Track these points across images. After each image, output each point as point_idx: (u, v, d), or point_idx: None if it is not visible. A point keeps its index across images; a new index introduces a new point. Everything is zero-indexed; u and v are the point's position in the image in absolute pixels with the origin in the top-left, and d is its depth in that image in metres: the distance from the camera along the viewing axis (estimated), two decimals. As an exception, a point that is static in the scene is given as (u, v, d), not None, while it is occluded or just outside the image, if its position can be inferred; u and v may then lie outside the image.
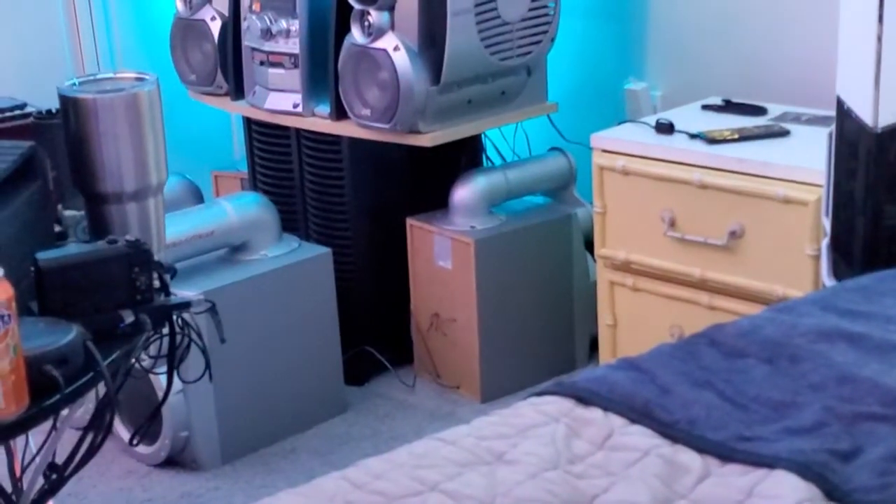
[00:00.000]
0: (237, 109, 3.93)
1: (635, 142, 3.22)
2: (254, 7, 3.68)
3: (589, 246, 3.64)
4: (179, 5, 3.88)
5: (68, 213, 2.41)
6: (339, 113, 3.56)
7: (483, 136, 3.88)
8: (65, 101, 2.26)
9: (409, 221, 3.72)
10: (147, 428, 2.77)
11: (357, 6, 3.39)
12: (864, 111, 2.43)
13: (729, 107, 3.41)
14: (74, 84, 2.31)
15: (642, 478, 1.71)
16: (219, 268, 3.45)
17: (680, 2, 3.70)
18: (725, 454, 1.76)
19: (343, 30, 3.48)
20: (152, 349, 2.21)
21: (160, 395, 2.36)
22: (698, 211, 3.07)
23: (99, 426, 1.98)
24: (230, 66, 3.82)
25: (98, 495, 3.29)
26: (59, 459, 2.05)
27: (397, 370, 3.82)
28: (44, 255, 2.02)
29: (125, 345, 2.00)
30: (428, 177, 3.75)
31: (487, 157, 3.95)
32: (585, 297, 3.72)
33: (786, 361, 2.01)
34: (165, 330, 2.15)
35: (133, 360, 2.07)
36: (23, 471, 2.22)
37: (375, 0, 3.36)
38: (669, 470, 1.73)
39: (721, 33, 3.60)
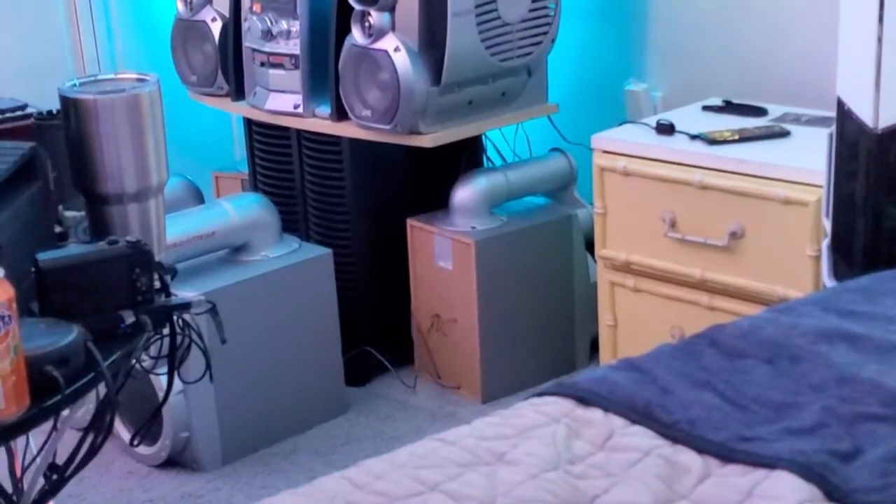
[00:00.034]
0: (238, 110, 3.93)
1: (636, 143, 3.22)
2: (254, 8, 3.68)
3: (589, 247, 3.64)
4: (180, 6, 3.88)
5: (69, 213, 2.41)
6: (340, 114, 3.56)
7: (484, 136, 3.88)
8: (66, 101, 2.26)
9: (410, 222, 3.72)
10: (148, 428, 2.76)
11: (358, 7, 3.39)
12: (864, 112, 2.43)
13: (729, 108, 3.41)
14: (75, 85, 2.31)
15: (643, 478, 1.71)
16: (219, 268, 3.45)
17: (680, 3, 3.70)
18: (726, 454, 1.76)
19: (343, 31, 3.48)
20: (153, 350, 2.21)
21: (161, 395, 2.36)
22: (699, 212, 3.08)
23: (99, 427, 1.98)
24: (231, 66, 3.82)
25: (98, 496, 3.29)
26: (60, 460, 2.05)
27: (398, 371, 3.82)
28: (44, 256, 2.02)
29: (126, 345, 2.00)
30: (428, 177, 3.75)
31: (488, 158, 3.95)
32: (586, 298, 3.72)
33: (786, 362, 2.01)
34: (166, 330, 2.15)
35: (134, 361, 2.07)
36: (23, 471, 2.22)
37: (376, 1, 3.36)
38: (670, 470, 1.73)
39: (721, 34, 3.60)
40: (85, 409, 2.29)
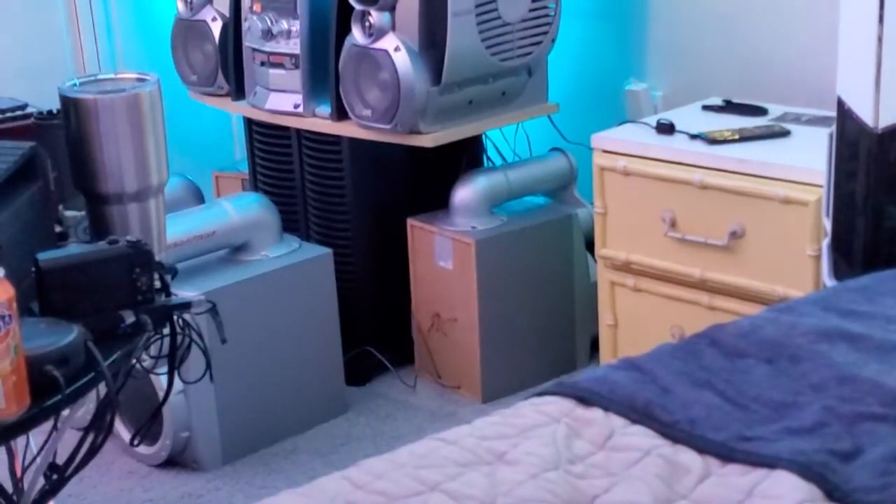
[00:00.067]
0: (238, 110, 3.93)
1: (636, 142, 3.22)
2: (254, 8, 3.68)
3: (590, 246, 3.64)
4: (180, 6, 3.88)
5: (69, 213, 2.41)
6: (340, 113, 3.56)
7: (484, 136, 3.88)
8: (66, 101, 2.26)
9: (410, 222, 3.72)
10: (148, 428, 2.76)
11: (358, 7, 3.39)
12: (864, 111, 2.43)
13: (729, 107, 3.41)
14: (75, 84, 2.31)
15: (643, 478, 1.71)
16: (220, 268, 3.45)
17: (680, 2, 3.70)
18: (726, 454, 1.76)
19: (344, 30, 3.48)
20: (153, 349, 2.21)
21: (161, 395, 2.36)
22: (699, 211, 3.08)
23: (100, 426, 1.98)
24: (231, 66, 3.82)
25: (99, 496, 3.29)
26: (60, 460, 2.05)
27: (398, 370, 3.82)
28: (45, 256, 2.02)
29: (126, 345, 2.00)
30: (429, 177, 3.75)
31: (488, 158, 3.95)
32: (586, 298, 3.72)
33: (786, 361, 2.01)
34: (166, 330, 2.15)
35: (134, 361, 2.08)
36: (24, 471, 2.22)
37: (376, 1, 3.36)
38: (670, 470, 1.73)
39: (721, 34, 3.60)
40: (85, 409, 2.29)
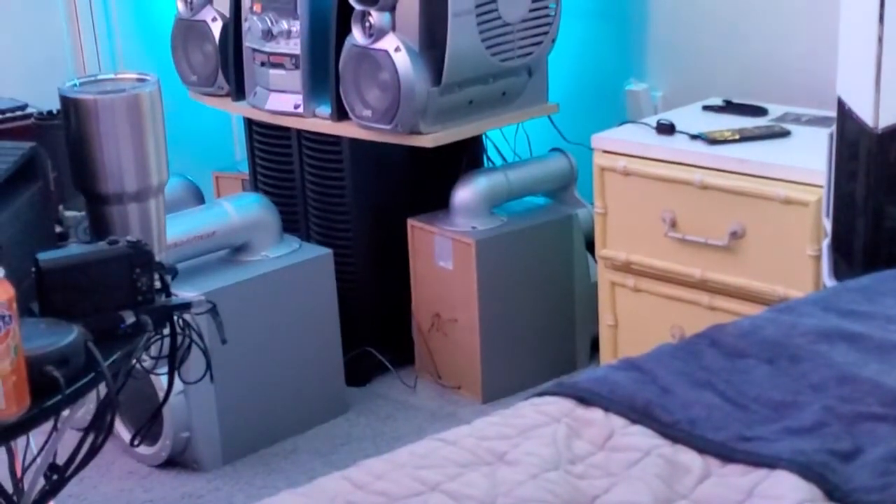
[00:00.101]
0: (238, 110, 3.93)
1: (636, 142, 3.22)
2: (255, 8, 3.68)
3: (590, 246, 3.64)
4: (180, 6, 3.88)
5: (69, 213, 2.41)
6: (340, 114, 3.56)
7: (484, 136, 3.88)
8: (66, 101, 2.26)
9: (410, 222, 3.72)
10: (148, 429, 2.76)
11: (358, 7, 3.39)
12: (864, 112, 2.43)
13: (730, 107, 3.41)
14: (75, 85, 2.31)
15: (643, 478, 1.71)
16: (220, 268, 3.45)
17: (680, 2, 3.70)
18: (726, 454, 1.76)
19: (344, 31, 3.48)
20: (153, 350, 2.21)
21: (161, 395, 2.36)
22: (699, 211, 3.07)
23: (100, 427, 1.98)
24: (231, 66, 3.82)
25: (99, 496, 3.29)
26: (60, 460, 2.05)
27: (398, 371, 3.82)
28: (45, 256, 2.02)
29: (126, 345, 2.00)
30: (429, 177, 3.75)
31: (488, 158, 3.95)
32: (586, 298, 3.72)
33: (786, 362, 2.01)
34: (166, 331, 2.15)
35: (134, 361, 2.08)
36: (24, 471, 2.22)
37: (376, 1, 3.36)
38: (670, 470, 1.73)
39: (722, 34, 3.60)
40: (85, 409, 2.29)
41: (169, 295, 2.13)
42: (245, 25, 3.73)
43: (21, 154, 2.17)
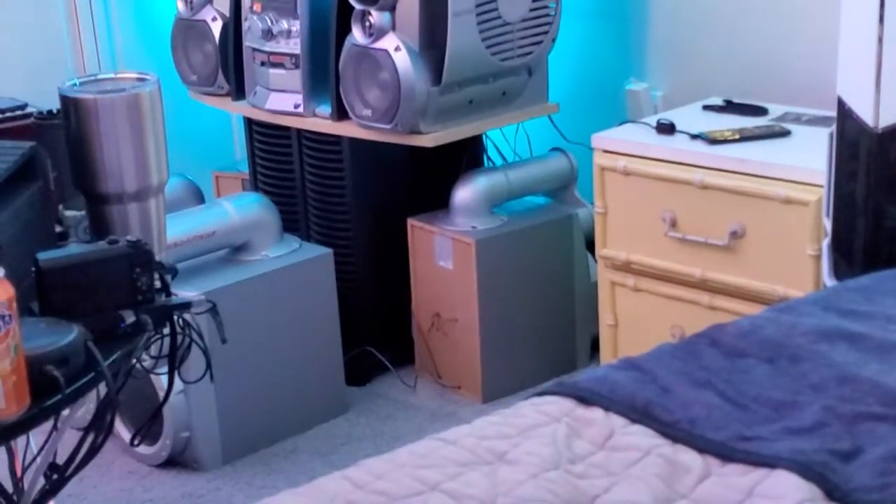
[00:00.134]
0: (238, 110, 3.93)
1: (636, 142, 3.22)
2: (254, 7, 3.68)
3: (590, 246, 3.64)
4: (180, 6, 3.88)
5: (69, 213, 2.41)
6: (340, 113, 3.56)
7: (484, 136, 3.88)
8: (66, 101, 2.26)
9: (410, 222, 3.72)
10: (148, 428, 2.76)
11: (358, 6, 3.39)
12: (864, 111, 2.43)
13: (730, 107, 3.41)
14: (75, 84, 2.31)
15: (643, 478, 1.71)
16: (220, 268, 3.45)
17: (680, 2, 3.70)
18: (726, 454, 1.76)
19: (344, 30, 3.48)
20: (153, 349, 2.21)
21: (161, 395, 2.36)
22: (699, 211, 3.07)
23: (100, 426, 1.98)
24: (231, 66, 3.82)
25: (99, 496, 3.29)
26: (60, 460, 2.05)
27: (398, 370, 3.82)
28: (45, 256, 2.02)
29: (126, 345, 2.00)
30: (429, 177, 3.75)
31: (488, 158, 3.95)
32: (586, 298, 3.72)
33: (786, 361, 2.01)
34: (166, 330, 2.15)
35: (134, 361, 2.07)
36: (24, 471, 2.22)
37: (376, 0, 3.36)
38: (670, 470, 1.73)
39: (722, 34, 3.60)
40: (85, 409, 2.29)
41: (169, 294, 2.13)
42: (245, 25, 3.73)
43: (21, 154, 2.17)
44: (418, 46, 3.37)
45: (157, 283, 2.09)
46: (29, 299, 2.01)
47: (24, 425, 1.80)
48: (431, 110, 3.44)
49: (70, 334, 1.86)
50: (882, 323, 2.12)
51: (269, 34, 3.64)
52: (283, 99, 3.69)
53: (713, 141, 3.11)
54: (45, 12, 4.29)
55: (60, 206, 2.42)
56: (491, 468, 1.74)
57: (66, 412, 1.94)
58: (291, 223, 3.78)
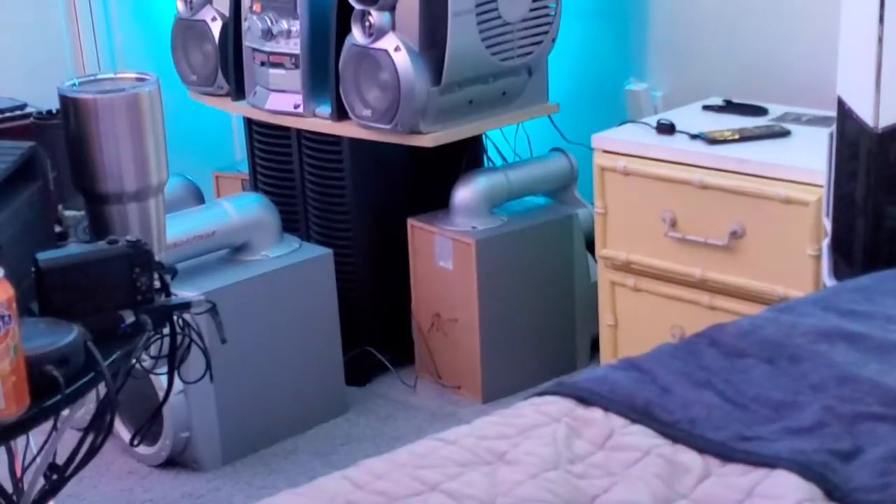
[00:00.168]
0: (238, 110, 3.93)
1: (636, 142, 3.22)
2: (254, 7, 3.68)
3: (590, 246, 3.64)
4: (180, 6, 3.88)
5: (69, 213, 2.41)
6: (340, 113, 3.56)
7: (484, 136, 3.88)
8: (65, 101, 2.26)
9: (410, 222, 3.72)
10: (148, 428, 2.76)
11: (358, 6, 3.39)
12: (864, 111, 2.43)
13: (730, 107, 3.41)
14: (75, 84, 2.31)
15: (643, 478, 1.71)
16: (220, 268, 3.45)
17: (680, 2, 3.70)
18: (726, 454, 1.76)
19: (344, 30, 3.48)
20: (153, 350, 2.21)
21: (161, 395, 2.36)
22: (699, 211, 3.07)
23: (99, 427, 1.98)
24: (231, 66, 3.82)
25: (99, 496, 3.29)
26: (60, 460, 2.05)
27: (398, 371, 3.82)
28: (44, 256, 2.02)
29: (126, 345, 2.00)
30: (429, 177, 3.75)
31: (488, 158, 3.95)
32: (586, 298, 3.72)
33: (786, 361, 2.01)
34: (166, 330, 2.15)
35: (134, 361, 2.07)
36: (23, 471, 2.22)
37: (376, 0, 3.36)
38: (670, 470, 1.73)
39: (722, 34, 3.60)
40: (85, 409, 2.29)
41: (168, 294, 2.13)
42: (245, 25, 3.73)
43: (20, 154, 2.17)
44: (418, 46, 3.37)
45: (157, 284, 2.09)
46: (28, 299, 2.01)
47: (23, 425, 1.80)
48: (431, 110, 3.44)
49: (70, 334, 1.86)
50: (882, 323, 2.12)
51: (268, 34, 3.64)
52: (282, 99, 3.69)
53: (713, 141, 3.11)
54: (45, 12, 4.29)
55: (60, 206, 2.42)
56: (491, 468, 1.74)
57: (65, 412, 1.94)
58: (291, 223, 3.78)
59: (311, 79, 3.63)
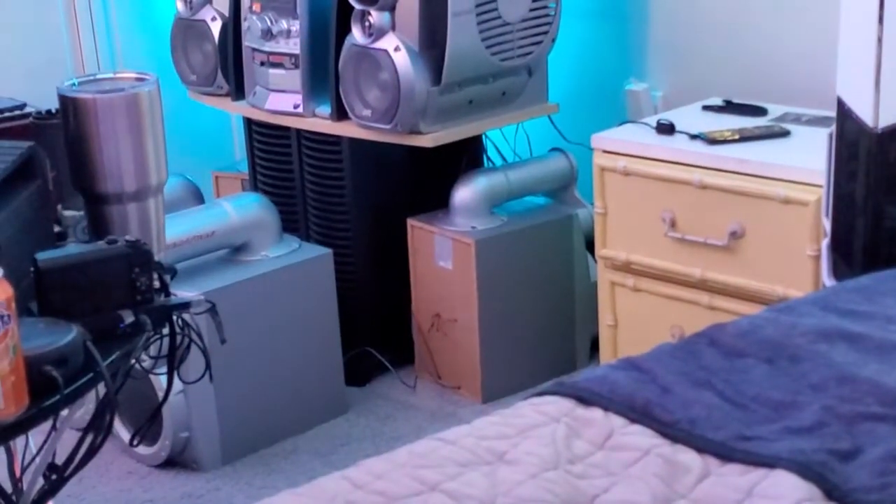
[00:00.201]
0: (238, 110, 3.93)
1: (636, 142, 3.22)
2: (254, 7, 3.68)
3: (590, 246, 3.64)
4: (180, 5, 3.88)
5: (68, 213, 2.41)
6: (340, 113, 3.56)
7: (484, 136, 3.88)
8: (64, 101, 2.26)
9: (410, 222, 3.72)
10: (147, 428, 2.76)
11: (358, 6, 3.39)
12: (864, 112, 2.43)
13: (729, 107, 3.41)
14: (74, 84, 2.31)
15: (642, 477, 1.71)
16: (219, 268, 3.45)
17: (680, 2, 3.70)
18: (725, 454, 1.76)
19: (344, 30, 3.48)
20: (152, 350, 2.21)
21: (160, 395, 2.36)
22: (699, 211, 3.07)
23: (99, 427, 1.98)
24: (231, 66, 3.82)
25: (98, 496, 3.29)
26: (59, 460, 2.05)
27: (398, 371, 3.81)
28: (43, 256, 2.01)
29: (125, 345, 1.99)
30: (429, 177, 3.75)
31: (488, 158, 3.95)
32: (586, 298, 3.72)
33: (786, 361, 2.01)
34: (165, 330, 2.15)
35: (133, 361, 2.07)
36: (23, 471, 2.22)
37: (376, 0, 3.36)
38: (669, 470, 1.73)
39: (722, 34, 3.60)
40: (84, 409, 2.29)
41: (168, 294, 2.12)
42: (244, 25, 3.73)
43: (19, 153, 2.17)
44: (418, 46, 3.37)
45: (157, 284, 2.09)
46: (28, 299, 2.00)
47: (22, 426, 1.80)
48: (431, 110, 3.44)
49: (69, 334, 1.86)
50: (881, 323, 2.12)
51: (268, 34, 3.64)
52: (282, 99, 3.69)
53: (713, 141, 3.11)
54: (45, 12, 4.29)
55: (59, 206, 2.42)
56: (490, 468, 1.73)
57: (64, 412, 1.94)
58: (291, 223, 3.78)
59: (311, 79, 3.63)
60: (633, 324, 3.31)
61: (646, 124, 3.31)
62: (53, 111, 2.46)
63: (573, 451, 1.78)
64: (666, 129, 3.23)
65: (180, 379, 2.33)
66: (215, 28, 3.83)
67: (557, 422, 1.85)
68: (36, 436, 2.10)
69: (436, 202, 3.71)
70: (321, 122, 3.64)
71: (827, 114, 2.93)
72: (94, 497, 3.28)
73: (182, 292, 2.63)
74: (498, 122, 3.69)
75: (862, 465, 1.69)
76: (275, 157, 3.88)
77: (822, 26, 3.19)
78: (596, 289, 3.42)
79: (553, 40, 3.62)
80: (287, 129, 3.79)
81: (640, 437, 1.82)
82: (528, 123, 3.88)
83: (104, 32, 4.42)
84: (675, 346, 2.10)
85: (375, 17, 3.37)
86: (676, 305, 3.18)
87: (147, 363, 2.26)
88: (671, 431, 1.82)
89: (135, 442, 2.72)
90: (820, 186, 2.74)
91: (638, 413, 1.87)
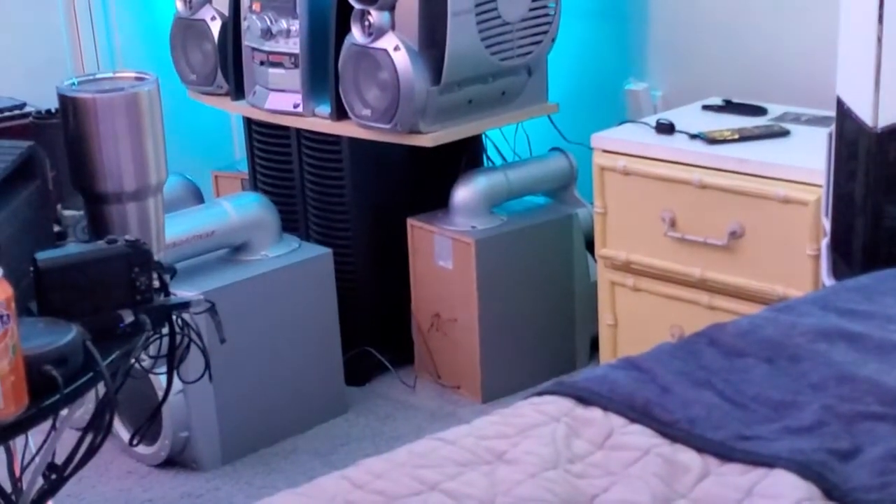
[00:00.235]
0: (237, 109, 3.93)
1: (636, 142, 3.22)
2: (254, 7, 3.68)
3: (590, 246, 3.64)
4: (179, 5, 3.88)
5: (68, 212, 2.41)
6: (340, 113, 3.56)
7: (484, 136, 3.88)
8: (64, 100, 2.25)
9: (410, 221, 3.72)
10: (147, 428, 2.76)
11: (357, 6, 3.39)
12: (863, 111, 2.43)
13: (729, 107, 3.41)
14: (74, 84, 2.31)
15: (642, 477, 1.71)
16: (219, 268, 3.45)
17: (680, 2, 3.70)
18: (725, 453, 1.76)
19: (343, 30, 3.48)
20: (152, 349, 2.21)
21: (160, 395, 2.36)
22: (698, 211, 3.07)
23: (98, 426, 1.98)
24: (230, 66, 3.82)
25: (98, 496, 3.29)
26: (59, 460, 2.05)
27: (398, 370, 3.81)
28: (43, 255, 2.01)
29: (125, 345, 1.99)
30: (428, 177, 3.75)
31: (488, 158, 3.95)
32: (586, 298, 3.72)
33: (785, 361, 2.01)
34: (165, 330, 2.15)
35: (133, 361, 2.07)
36: (22, 471, 2.22)
37: (376, 0, 3.36)
38: (669, 469, 1.73)
39: (721, 34, 3.60)
40: (84, 409, 2.28)
41: (168, 294, 2.12)
42: (244, 24, 3.73)
43: (19, 153, 2.17)
44: (418, 46, 3.37)
45: (156, 283, 2.09)
46: (27, 299, 2.00)
47: (22, 425, 1.80)
48: (431, 110, 3.44)
49: (68, 334, 1.86)
50: (881, 322, 2.12)
51: (268, 34, 3.64)
52: (282, 98, 3.69)
53: (712, 141, 3.11)
54: (45, 12, 4.29)
55: (59, 206, 2.42)
56: (490, 468, 1.73)
57: (64, 412, 1.94)
58: (291, 223, 3.78)
59: (311, 78, 3.63)
60: (633, 323, 3.31)
61: (645, 124, 3.31)
62: (53, 111, 2.46)
63: (573, 451, 1.78)
64: (666, 128, 3.23)
65: (180, 378, 2.33)
66: (215, 28, 3.83)
67: (557, 421, 1.85)
68: (36, 435, 2.10)
69: (436, 202, 3.71)
70: (321, 121, 3.64)
71: (827, 113, 2.94)
72: (94, 497, 3.28)
73: (182, 292, 2.63)
74: (498, 122, 3.69)
75: (861, 464, 1.69)
76: (274, 156, 3.88)
77: (822, 26, 3.19)
78: (596, 288, 3.42)
79: (553, 40, 3.62)
80: (287, 128, 3.79)
81: (640, 436, 1.82)
82: (528, 123, 3.88)
83: (104, 32, 4.42)
84: (674, 346, 2.10)
85: (375, 16, 3.37)
86: (676, 305, 3.18)
87: (147, 363, 2.26)
88: (671, 431, 1.82)
89: (134, 441, 2.73)
90: (819, 186, 2.74)
91: (638, 413, 1.87)
